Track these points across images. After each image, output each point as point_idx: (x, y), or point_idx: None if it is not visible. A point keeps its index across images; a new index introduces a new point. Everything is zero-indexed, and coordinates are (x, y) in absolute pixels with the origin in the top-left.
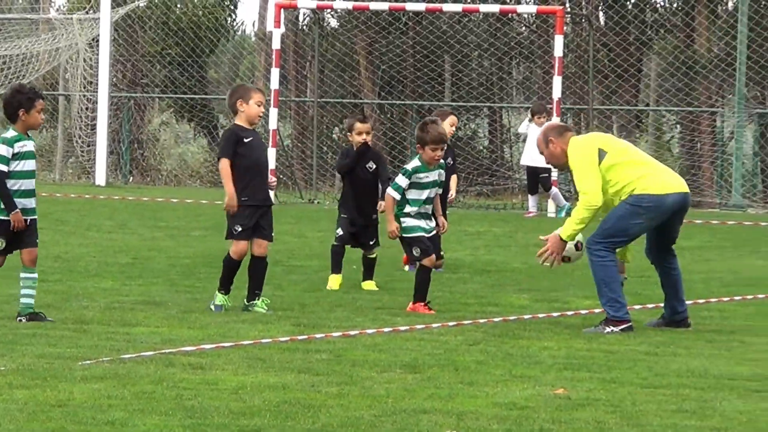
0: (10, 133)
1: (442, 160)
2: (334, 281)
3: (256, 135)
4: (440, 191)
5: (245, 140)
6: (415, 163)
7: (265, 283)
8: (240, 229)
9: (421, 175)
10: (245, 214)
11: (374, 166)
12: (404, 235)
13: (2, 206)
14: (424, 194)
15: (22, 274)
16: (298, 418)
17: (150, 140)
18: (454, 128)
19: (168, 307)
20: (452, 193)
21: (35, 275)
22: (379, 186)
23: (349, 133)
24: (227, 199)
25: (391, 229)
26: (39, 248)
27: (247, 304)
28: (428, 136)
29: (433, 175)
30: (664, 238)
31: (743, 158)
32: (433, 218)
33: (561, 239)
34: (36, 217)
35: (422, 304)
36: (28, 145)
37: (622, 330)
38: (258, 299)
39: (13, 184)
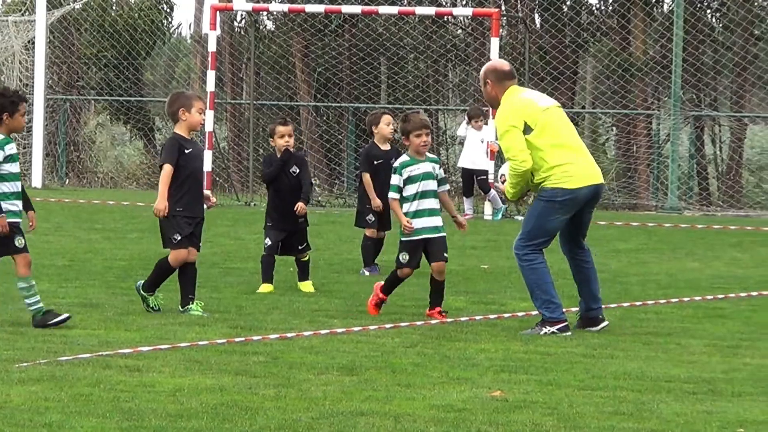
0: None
1: (431, 155)
2: (266, 289)
3: (196, 146)
4: (445, 187)
5: (186, 151)
6: (402, 158)
7: (200, 285)
8: (179, 237)
9: (411, 168)
10: (182, 223)
11: (298, 170)
12: (402, 238)
13: None
14: (416, 188)
15: (20, 284)
16: (235, 420)
17: (86, 142)
18: (392, 127)
19: (105, 310)
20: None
21: (33, 282)
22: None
23: (271, 138)
24: (158, 203)
25: (404, 224)
26: None
27: (182, 309)
28: (410, 124)
29: (425, 167)
30: (575, 230)
31: (679, 160)
32: (440, 217)
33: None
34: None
35: (383, 295)
36: (14, 148)
37: (558, 329)
38: (192, 303)
39: (3, 187)
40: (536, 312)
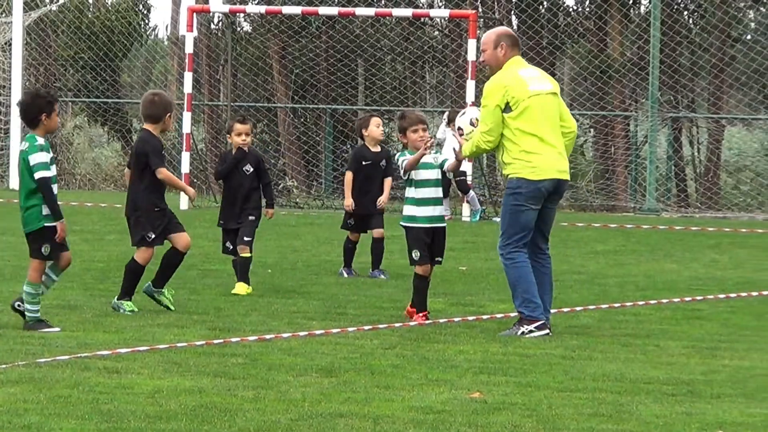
0: (40, 139)
1: (428, 151)
2: (241, 289)
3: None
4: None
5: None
6: (403, 156)
7: (179, 287)
8: (153, 236)
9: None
10: (158, 221)
11: (251, 169)
12: (402, 223)
13: (43, 213)
14: (429, 174)
15: (27, 288)
16: (214, 422)
17: (63, 144)
18: (381, 129)
19: (83, 311)
20: (384, 197)
21: (41, 291)
22: (261, 188)
23: (228, 135)
24: (192, 193)
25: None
26: None
27: (155, 289)
28: (406, 121)
29: (427, 158)
30: (537, 227)
31: (657, 162)
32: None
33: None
34: None
35: (420, 313)
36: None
37: (536, 327)
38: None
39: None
40: (515, 314)
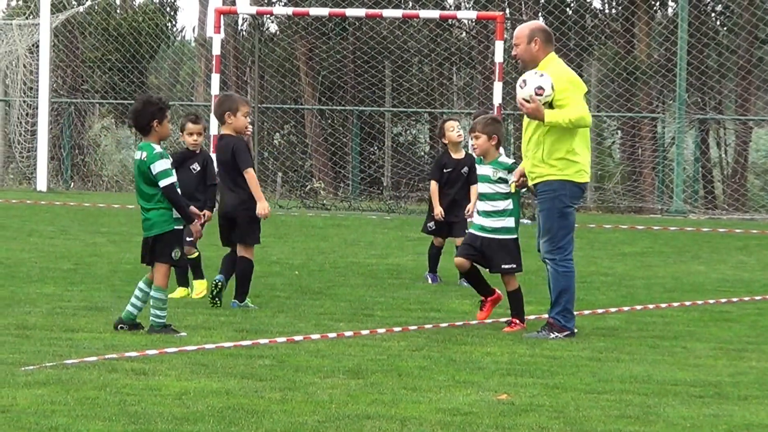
0: (156, 146)
1: (506, 159)
2: (182, 293)
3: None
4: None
5: None
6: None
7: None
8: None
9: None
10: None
11: (198, 168)
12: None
13: (173, 217)
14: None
15: (156, 294)
16: (241, 424)
17: (91, 146)
18: (458, 131)
19: (110, 313)
20: (471, 207)
21: (167, 296)
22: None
23: (181, 133)
24: (263, 205)
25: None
26: None
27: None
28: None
29: (481, 170)
30: None
31: (684, 164)
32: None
33: (542, 116)
34: None
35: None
36: None
37: (565, 336)
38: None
39: None
40: (545, 315)
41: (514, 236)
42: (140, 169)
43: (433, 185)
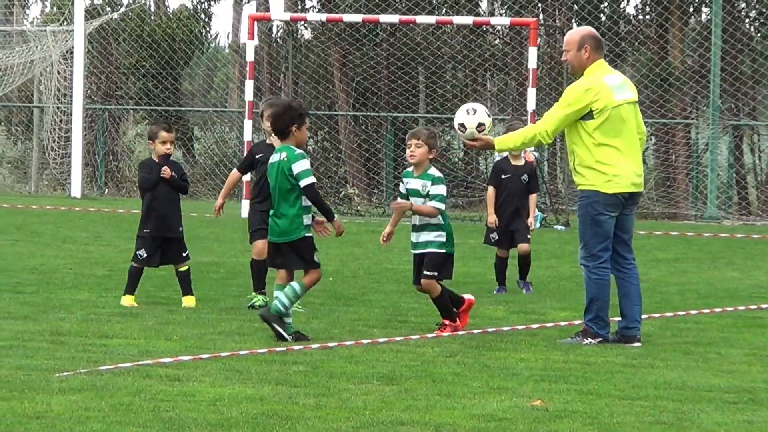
0: (296, 149)
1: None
2: (128, 301)
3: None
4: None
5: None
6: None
7: (241, 295)
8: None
9: None
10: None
11: (176, 176)
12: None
13: (304, 224)
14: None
15: (297, 288)
16: (275, 430)
17: (125, 152)
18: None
19: (145, 319)
20: (530, 215)
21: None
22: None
23: (150, 141)
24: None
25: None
26: (15, 260)
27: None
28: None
29: (414, 183)
30: (617, 236)
31: (718, 170)
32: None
33: (492, 146)
34: None
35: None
36: None
37: (598, 342)
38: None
39: (306, 201)
40: (578, 321)
41: (445, 251)
42: (281, 170)
43: (490, 191)
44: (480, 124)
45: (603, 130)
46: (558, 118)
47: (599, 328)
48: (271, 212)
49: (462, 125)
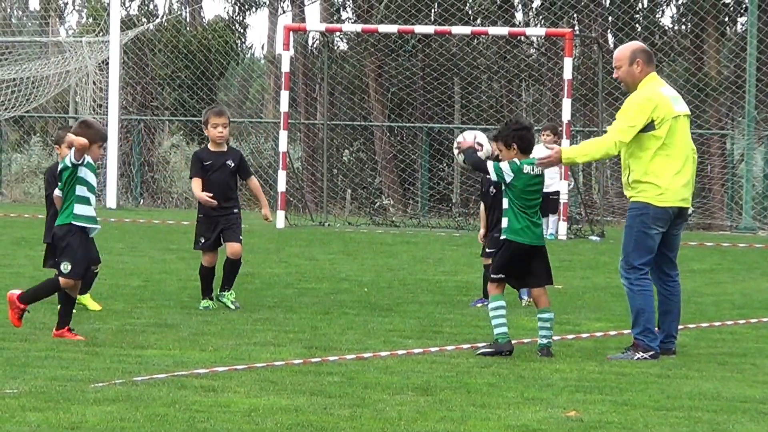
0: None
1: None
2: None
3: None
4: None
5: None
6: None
7: (275, 306)
8: (203, 241)
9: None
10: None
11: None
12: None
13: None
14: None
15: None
16: None
17: (160, 163)
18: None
19: (180, 330)
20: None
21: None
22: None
23: (57, 146)
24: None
25: None
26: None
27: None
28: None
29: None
30: (663, 253)
31: (753, 180)
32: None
33: (559, 159)
34: None
35: None
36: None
37: (650, 356)
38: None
39: None
40: (614, 332)
41: None
42: (536, 182)
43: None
44: (479, 143)
45: (661, 141)
46: (630, 127)
47: (650, 340)
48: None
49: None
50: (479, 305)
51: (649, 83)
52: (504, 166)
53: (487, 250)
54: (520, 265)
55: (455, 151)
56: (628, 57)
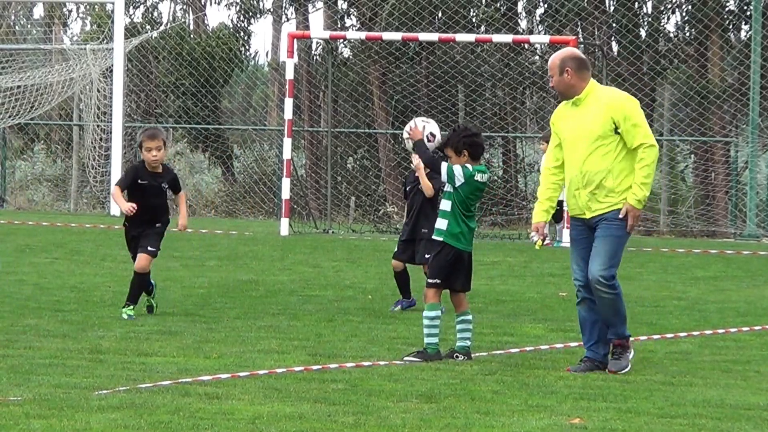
0: None
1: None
2: None
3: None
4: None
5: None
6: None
7: (279, 313)
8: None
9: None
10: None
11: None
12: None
13: None
14: None
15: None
16: None
17: None
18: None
19: (184, 337)
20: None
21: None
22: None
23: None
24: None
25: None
26: (55, 278)
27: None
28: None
29: None
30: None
31: (757, 188)
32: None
33: (636, 209)
34: None
35: None
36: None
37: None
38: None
39: None
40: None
41: None
42: (481, 190)
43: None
44: (431, 134)
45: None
46: (648, 131)
47: (623, 327)
48: None
49: (432, 134)
50: (397, 308)
51: (602, 87)
52: (457, 170)
53: (426, 256)
54: (453, 269)
55: (405, 135)
56: (558, 66)
